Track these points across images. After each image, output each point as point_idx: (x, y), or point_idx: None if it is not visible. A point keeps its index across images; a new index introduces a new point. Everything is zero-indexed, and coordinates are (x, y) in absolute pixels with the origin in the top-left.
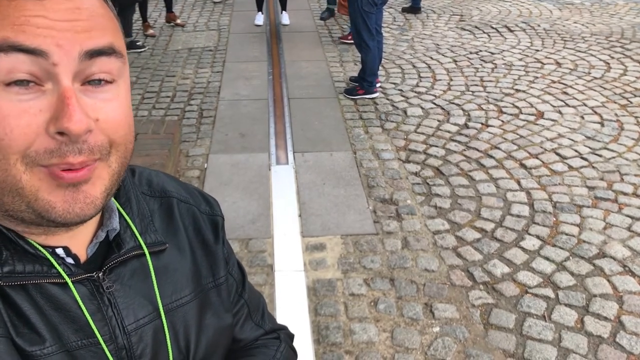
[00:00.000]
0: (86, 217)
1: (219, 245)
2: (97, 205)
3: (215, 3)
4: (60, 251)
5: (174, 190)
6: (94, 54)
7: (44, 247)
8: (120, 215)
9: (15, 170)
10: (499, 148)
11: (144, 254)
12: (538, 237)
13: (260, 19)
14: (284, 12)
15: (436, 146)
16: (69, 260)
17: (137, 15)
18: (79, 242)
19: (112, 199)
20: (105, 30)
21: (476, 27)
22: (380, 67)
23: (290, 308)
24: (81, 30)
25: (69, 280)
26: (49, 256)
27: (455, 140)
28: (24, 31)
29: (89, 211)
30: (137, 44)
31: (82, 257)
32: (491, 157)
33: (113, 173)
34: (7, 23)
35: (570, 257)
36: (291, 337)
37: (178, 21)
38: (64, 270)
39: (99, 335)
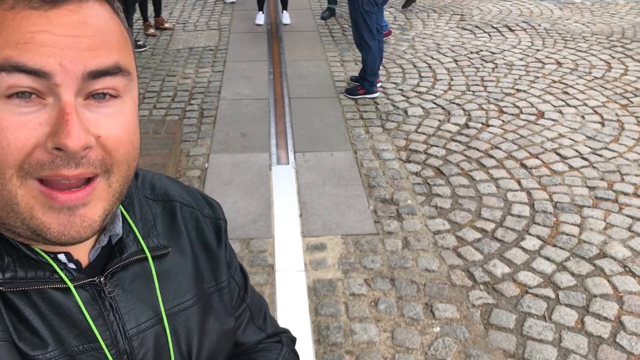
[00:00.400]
0: (82, 239)
1: (221, 249)
2: (94, 228)
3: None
4: (62, 257)
5: (177, 194)
6: (97, 74)
7: (45, 252)
8: (123, 219)
9: (11, 185)
10: (499, 148)
11: (146, 258)
12: (538, 237)
13: (260, 18)
14: (284, 11)
15: (437, 146)
16: (71, 265)
17: (137, 14)
18: (81, 247)
19: None
20: (111, 48)
21: (477, 26)
22: (381, 67)
23: (291, 308)
24: (85, 48)
25: (71, 285)
26: (51, 262)
27: (455, 140)
28: (28, 50)
29: (85, 234)
30: (138, 43)
31: (84, 262)
32: (492, 157)
33: (114, 193)
34: (12, 40)
35: (571, 257)
36: (293, 340)
37: (166, 25)
38: (66, 275)
39: (100, 340)
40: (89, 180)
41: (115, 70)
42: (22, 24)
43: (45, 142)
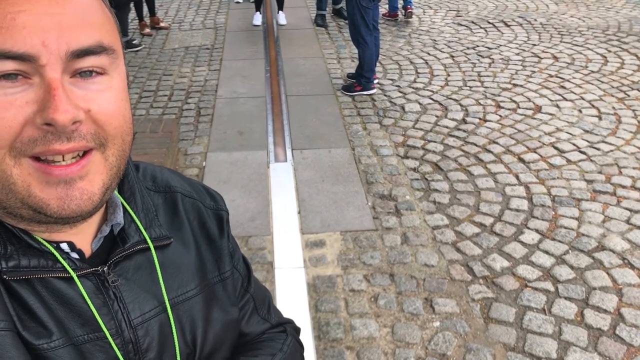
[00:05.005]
0: (84, 213)
1: (224, 240)
2: (94, 201)
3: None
4: (64, 246)
5: (178, 186)
6: (80, 54)
7: (48, 242)
8: (125, 210)
9: (5, 165)
10: (497, 143)
11: (149, 249)
12: (537, 231)
13: (258, 19)
14: (280, 12)
15: (434, 142)
16: (74, 255)
17: (133, 14)
18: (84, 237)
19: (117, 193)
20: (93, 27)
21: (473, 22)
22: (378, 64)
23: (291, 305)
24: (66, 26)
25: (74, 275)
26: (53, 251)
27: (453, 136)
28: (11, 35)
29: (86, 207)
30: (134, 42)
31: (87, 252)
32: (489, 151)
33: (111, 167)
34: None
35: (570, 251)
36: (297, 330)
37: (162, 24)
38: (69, 264)
39: (105, 329)
40: (84, 154)
41: (98, 49)
42: (2, 3)
43: (34, 119)
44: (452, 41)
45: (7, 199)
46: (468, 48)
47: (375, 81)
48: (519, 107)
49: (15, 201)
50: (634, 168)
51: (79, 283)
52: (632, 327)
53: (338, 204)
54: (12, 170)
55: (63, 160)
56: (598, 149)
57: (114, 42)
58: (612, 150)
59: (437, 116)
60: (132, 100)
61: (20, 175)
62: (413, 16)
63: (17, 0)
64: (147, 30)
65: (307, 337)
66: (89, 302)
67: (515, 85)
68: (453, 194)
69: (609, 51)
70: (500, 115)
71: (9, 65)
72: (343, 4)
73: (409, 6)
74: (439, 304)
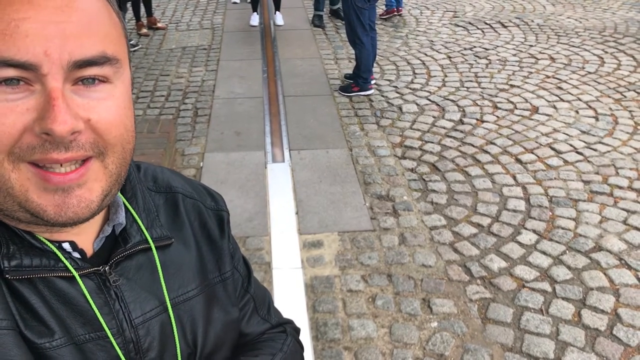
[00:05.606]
0: (81, 220)
1: (224, 240)
2: (92, 208)
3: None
4: (66, 245)
5: (179, 186)
6: (83, 64)
7: (50, 241)
8: (127, 209)
9: (3, 170)
10: (494, 143)
11: (150, 249)
12: (534, 231)
13: (255, 19)
14: (277, 12)
15: (432, 142)
16: (76, 254)
17: (130, 14)
18: (86, 236)
19: (119, 193)
20: (97, 37)
21: (470, 23)
22: (375, 64)
23: (289, 305)
24: (70, 34)
25: (76, 274)
26: (55, 250)
27: (450, 136)
28: (14, 43)
29: (83, 215)
30: (131, 43)
31: (89, 252)
32: (487, 152)
33: (111, 174)
34: None
35: (567, 251)
36: (297, 330)
37: (159, 24)
38: (70, 264)
39: (106, 329)
40: (83, 162)
41: (102, 60)
42: (6, 9)
43: (33, 127)
44: (449, 42)
45: (4, 202)
46: (465, 49)
47: (373, 82)
48: (516, 108)
49: (12, 204)
50: (630, 169)
51: (80, 282)
52: (629, 327)
53: (336, 205)
54: (10, 174)
55: (61, 167)
56: (595, 150)
57: (119, 51)
58: (609, 151)
59: (434, 117)
60: None
61: (19, 179)
62: (406, 17)
63: (21, 7)
64: (144, 30)
65: (305, 338)
66: (91, 301)
67: (512, 86)
68: (450, 195)
69: (606, 52)
70: (497, 116)
71: (11, 72)
72: (340, 5)
73: (399, 7)
74: (436, 304)
